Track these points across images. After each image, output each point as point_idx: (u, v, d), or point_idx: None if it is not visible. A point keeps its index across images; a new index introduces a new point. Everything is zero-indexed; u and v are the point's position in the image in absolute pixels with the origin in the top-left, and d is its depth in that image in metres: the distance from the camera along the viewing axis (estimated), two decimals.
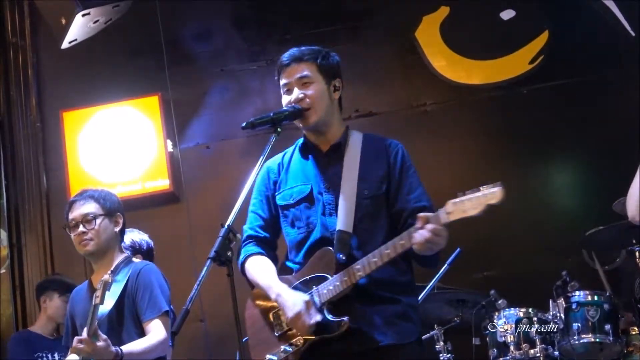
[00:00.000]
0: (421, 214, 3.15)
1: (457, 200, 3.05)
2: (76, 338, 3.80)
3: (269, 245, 3.61)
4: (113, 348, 3.80)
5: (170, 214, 6.77)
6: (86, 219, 4.15)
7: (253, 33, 7.01)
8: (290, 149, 3.69)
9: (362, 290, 3.33)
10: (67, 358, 3.92)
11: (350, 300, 3.32)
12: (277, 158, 3.67)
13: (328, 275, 3.34)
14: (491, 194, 2.99)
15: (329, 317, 3.32)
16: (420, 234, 3.12)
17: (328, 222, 3.43)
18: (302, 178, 3.56)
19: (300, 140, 3.65)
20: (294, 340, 3.37)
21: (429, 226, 3.10)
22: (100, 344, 3.75)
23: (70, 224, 4.19)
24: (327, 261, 3.37)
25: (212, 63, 7.03)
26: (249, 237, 3.59)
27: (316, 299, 3.33)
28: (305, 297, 3.32)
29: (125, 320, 4.06)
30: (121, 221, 4.27)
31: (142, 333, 4.04)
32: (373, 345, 3.31)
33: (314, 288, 3.36)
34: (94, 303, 3.80)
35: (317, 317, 3.29)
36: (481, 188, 3.03)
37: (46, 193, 7.02)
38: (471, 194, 3.02)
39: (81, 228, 4.14)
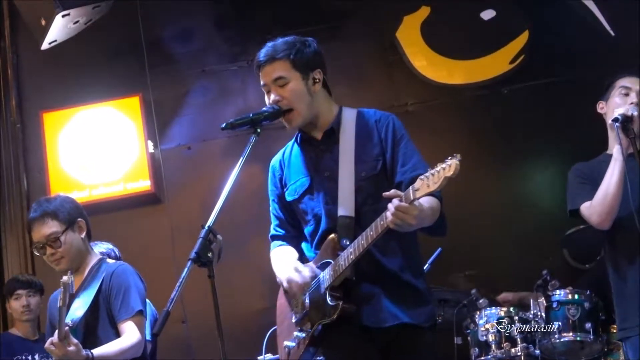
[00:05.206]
0: (389, 192, 3.14)
1: (423, 176, 3.04)
2: (49, 340, 3.79)
3: (290, 240, 3.67)
4: (84, 352, 3.78)
5: (152, 215, 6.75)
6: (51, 240, 4.07)
7: (234, 33, 7.01)
8: (290, 143, 3.69)
9: (378, 271, 3.36)
10: None
11: (362, 283, 3.35)
12: (279, 155, 3.70)
13: (332, 261, 3.38)
14: (447, 166, 2.96)
15: (328, 301, 3.34)
16: (389, 212, 3.11)
17: (332, 210, 3.44)
18: (303, 171, 3.57)
19: (298, 133, 3.65)
20: (305, 325, 3.43)
21: (394, 202, 3.09)
22: (71, 348, 3.74)
23: (37, 246, 4.13)
24: (332, 247, 3.41)
25: (193, 64, 7.01)
26: (271, 237, 3.71)
27: (321, 286, 3.39)
28: (295, 263, 3.45)
29: (102, 321, 4.02)
30: (84, 225, 4.19)
31: (118, 333, 4.00)
32: (388, 324, 3.32)
33: (320, 275, 3.41)
34: (58, 306, 3.78)
35: (306, 273, 3.39)
36: (440, 164, 3.02)
37: (26, 194, 6.97)
38: (433, 169, 3.01)
39: (49, 250, 4.08)
